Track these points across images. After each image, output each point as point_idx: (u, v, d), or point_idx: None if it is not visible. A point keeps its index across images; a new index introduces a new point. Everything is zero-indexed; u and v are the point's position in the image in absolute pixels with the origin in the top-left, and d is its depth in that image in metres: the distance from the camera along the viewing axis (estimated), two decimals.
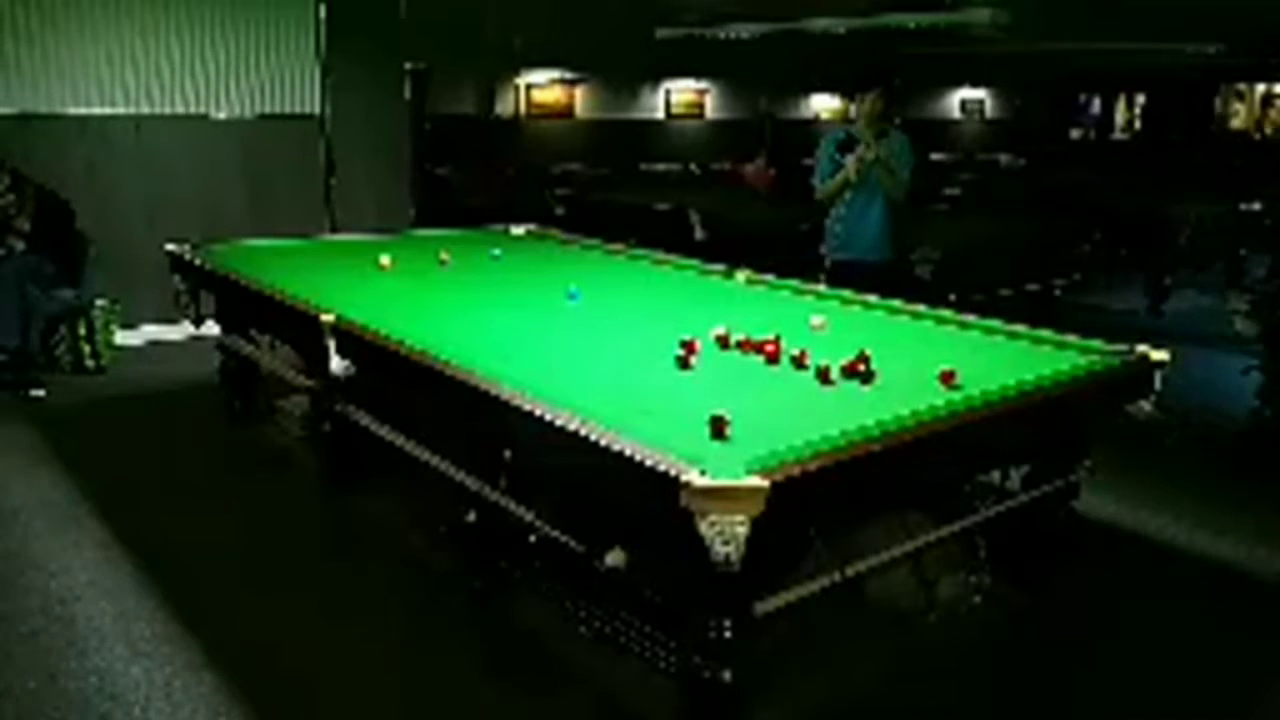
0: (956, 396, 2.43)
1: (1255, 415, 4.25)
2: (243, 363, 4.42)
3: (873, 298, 3.67)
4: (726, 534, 1.80)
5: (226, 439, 4.45)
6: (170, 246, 4.44)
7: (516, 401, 2.30)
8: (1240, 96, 15.29)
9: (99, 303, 5.38)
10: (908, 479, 2.34)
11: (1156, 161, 14.04)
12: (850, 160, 4.43)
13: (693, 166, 12.00)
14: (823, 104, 13.51)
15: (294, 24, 6.32)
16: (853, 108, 4.71)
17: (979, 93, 15.79)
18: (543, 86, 10.68)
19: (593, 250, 4.95)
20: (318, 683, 2.62)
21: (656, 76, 11.67)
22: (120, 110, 5.81)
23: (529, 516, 2.59)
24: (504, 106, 10.39)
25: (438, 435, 3.01)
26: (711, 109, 12.34)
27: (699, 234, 6.65)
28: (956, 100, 15.54)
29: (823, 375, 2.61)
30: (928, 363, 2.70)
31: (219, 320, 4.46)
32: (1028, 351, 3.01)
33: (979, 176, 12.48)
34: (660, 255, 4.64)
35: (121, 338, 5.76)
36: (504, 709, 2.54)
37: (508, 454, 2.63)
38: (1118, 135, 16.27)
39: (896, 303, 3.59)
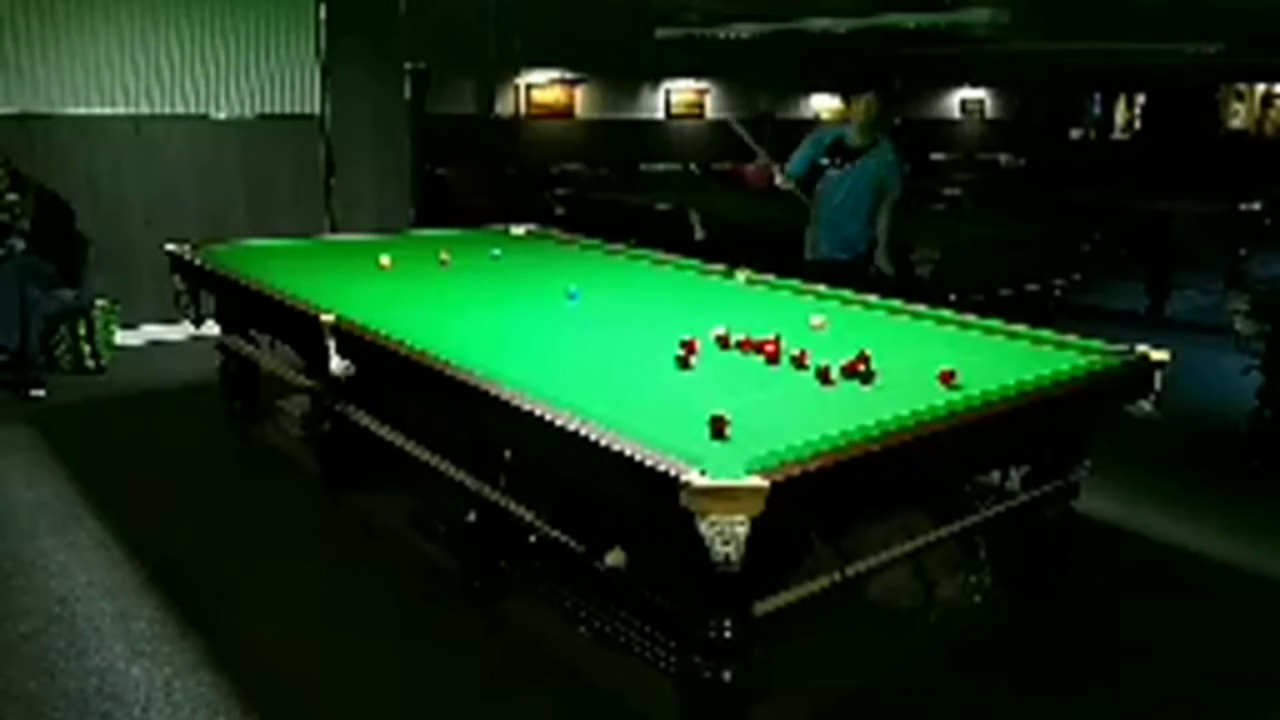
0: (956, 396, 2.43)
1: (1255, 415, 4.25)
2: (243, 363, 4.42)
3: (873, 297, 3.67)
4: (726, 534, 1.80)
5: (226, 439, 4.45)
6: (170, 246, 4.44)
7: (516, 401, 2.30)
8: (1240, 96, 15.30)
9: (99, 303, 5.38)
10: (908, 479, 2.34)
11: (1156, 161, 14.05)
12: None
13: (693, 166, 12.00)
14: (823, 104, 13.51)
15: (294, 24, 6.32)
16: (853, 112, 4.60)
17: (979, 93, 15.79)
18: (543, 86, 10.67)
19: (593, 250, 4.95)
20: (318, 682, 2.62)
21: (656, 76, 11.67)
22: (120, 110, 5.81)
23: (529, 516, 2.59)
24: (504, 106, 10.38)
25: (438, 435, 3.01)
26: (711, 109, 12.34)
27: (699, 234, 6.65)
28: (956, 100, 15.54)
29: (823, 375, 2.60)
30: (928, 363, 2.70)
31: (219, 320, 4.45)
32: (1028, 351, 3.01)
33: (979, 176, 12.49)
34: (660, 255, 4.64)
35: (121, 338, 5.76)
36: (503, 709, 2.54)
37: (508, 454, 2.64)
38: (1118, 135, 16.27)
39: (896, 303, 3.60)
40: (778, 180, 4.61)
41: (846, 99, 4.48)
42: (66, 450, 4.21)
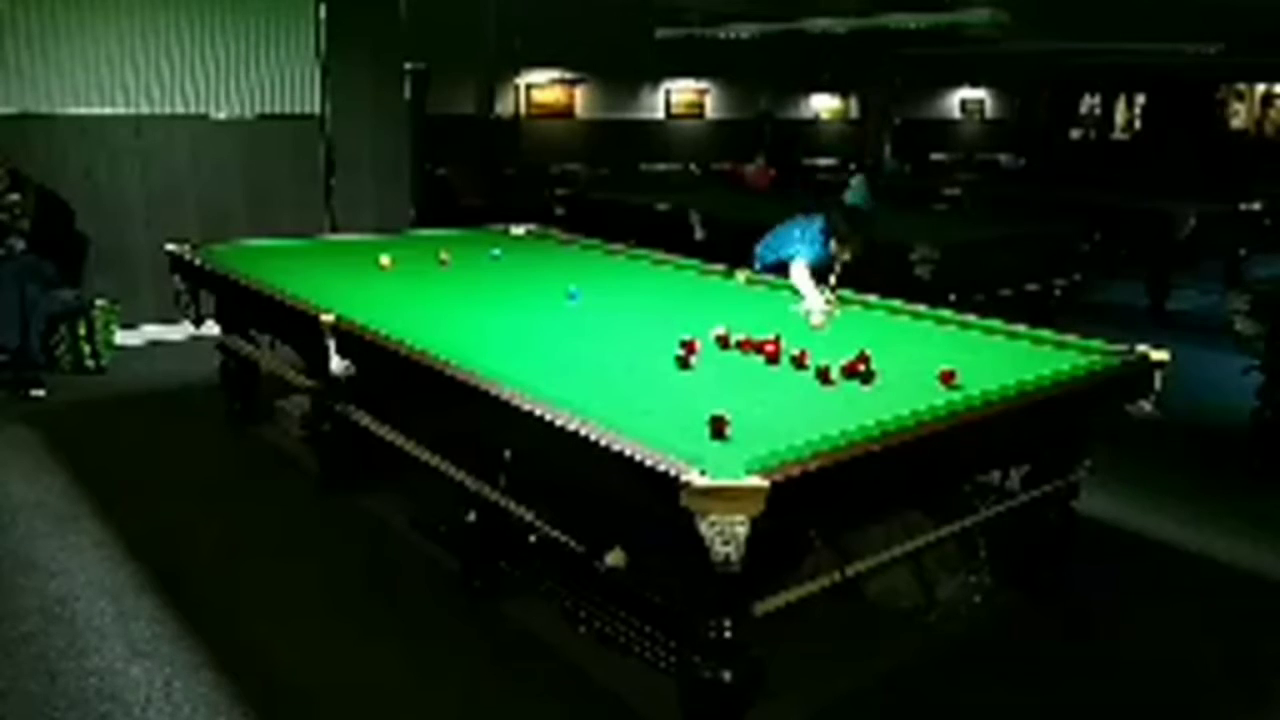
0: (956, 396, 2.43)
1: (1255, 415, 4.24)
2: (243, 363, 4.42)
3: (873, 297, 3.67)
4: (726, 534, 1.80)
5: (226, 439, 4.45)
6: (170, 246, 4.44)
7: (516, 401, 2.31)
8: (1240, 96, 15.28)
9: (99, 303, 5.38)
10: (908, 479, 2.34)
11: (1156, 161, 14.05)
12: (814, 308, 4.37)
13: (693, 166, 12.00)
14: (823, 104, 13.51)
15: (294, 24, 6.32)
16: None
17: (979, 93, 15.80)
18: (543, 86, 10.68)
19: (593, 250, 4.95)
20: (317, 682, 2.62)
21: (656, 76, 11.68)
22: (120, 110, 5.81)
23: (529, 516, 2.59)
24: (504, 106, 10.39)
25: (438, 435, 3.01)
26: (711, 109, 12.34)
27: (699, 234, 6.65)
28: (956, 100, 15.55)
29: (823, 375, 2.61)
30: (928, 363, 2.70)
31: (219, 320, 4.45)
32: (1028, 351, 3.01)
33: (979, 176, 12.49)
34: (660, 255, 4.64)
35: (121, 338, 5.75)
36: (503, 709, 2.54)
37: (508, 454, 2.64)
38: (1118, 135, 16.26)
39: (896, 303, 3.60)
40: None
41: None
42: (66, 450, 4.20)
